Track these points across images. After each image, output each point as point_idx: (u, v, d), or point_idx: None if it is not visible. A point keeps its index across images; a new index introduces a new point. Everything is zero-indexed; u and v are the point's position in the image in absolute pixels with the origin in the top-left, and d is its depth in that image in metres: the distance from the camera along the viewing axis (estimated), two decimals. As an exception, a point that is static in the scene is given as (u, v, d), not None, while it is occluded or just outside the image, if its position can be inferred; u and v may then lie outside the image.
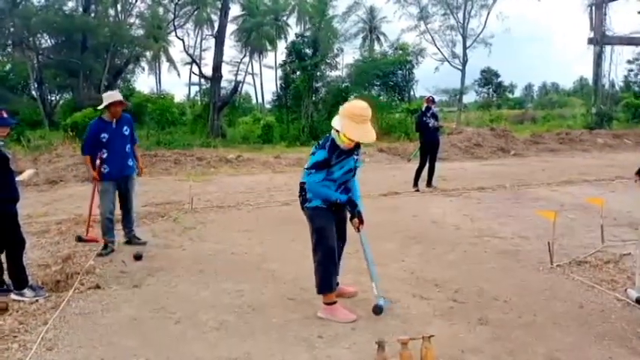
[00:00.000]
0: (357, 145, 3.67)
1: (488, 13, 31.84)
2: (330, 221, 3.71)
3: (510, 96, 56.00)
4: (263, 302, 4.10)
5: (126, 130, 5.61)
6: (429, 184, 9.43)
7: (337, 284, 3.84)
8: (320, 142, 3.65)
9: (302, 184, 3.76)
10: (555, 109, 43.42)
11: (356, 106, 3.54)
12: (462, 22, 32.14)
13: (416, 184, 9.28)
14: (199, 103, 34.93)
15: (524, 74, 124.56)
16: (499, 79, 49.78)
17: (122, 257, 5.32)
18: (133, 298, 4.23)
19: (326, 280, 3.69)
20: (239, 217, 7.44)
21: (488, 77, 48.71)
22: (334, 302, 3.72)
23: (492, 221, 6.79)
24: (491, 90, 49.62)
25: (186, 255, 5.50)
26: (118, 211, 5.76)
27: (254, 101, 55.50)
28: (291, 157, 14.90)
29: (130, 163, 5.68)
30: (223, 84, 28.68)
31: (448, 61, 33.11)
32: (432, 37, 32.63)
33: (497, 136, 17.52)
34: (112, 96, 5.52)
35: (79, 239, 5.95)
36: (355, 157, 3.72)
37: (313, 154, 3.62)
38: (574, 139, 18.53)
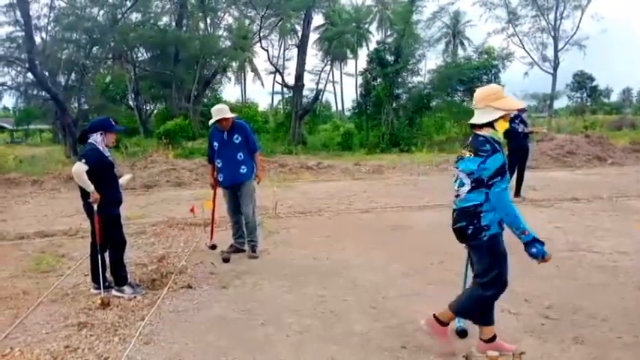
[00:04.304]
0: None
1: (582, 14, 30.21)
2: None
3: (606, 101, 52.46)
4: (345, 309, 4.12)
5: (237, 139, 5.55)
6: (517, 193, 9.01)
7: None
8: (475, 151, 2.96)
9: (466, 211, 3.05)
10: (658, 113, 40.04)
11: (492, 86, 3.19)
12: (553, 23, 30.69)
13: (502, 193, 8.90)
14: (282, 111, 35.88)
15: (621, 78, 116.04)
16: (594, 83, 46.99)
17: (211, 259, 5.59)
18: (221, 298, 4.43)
19: (489, 314, 3.21)
20: (320, 223, 7.55)
21: (582, 81, 46.17)
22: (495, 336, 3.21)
23: (588, 235, 6.37)
24: (585, 94, 46.89)
25: (270, 259, 5.68)
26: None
27: (334, 109, 56.04)
28: (370, 164, 14.90)
29: (243, 170, 5.60)
30: (305, 92, 29.28)
31: (538, 65, 31.73)
32: (520, 40, 31.47)
33: (592, 144, 16.35)
34: (217, 112, 5.50)
35: (213, 248, 5.96)
36: None
37: (481, 167, 2.91)
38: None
